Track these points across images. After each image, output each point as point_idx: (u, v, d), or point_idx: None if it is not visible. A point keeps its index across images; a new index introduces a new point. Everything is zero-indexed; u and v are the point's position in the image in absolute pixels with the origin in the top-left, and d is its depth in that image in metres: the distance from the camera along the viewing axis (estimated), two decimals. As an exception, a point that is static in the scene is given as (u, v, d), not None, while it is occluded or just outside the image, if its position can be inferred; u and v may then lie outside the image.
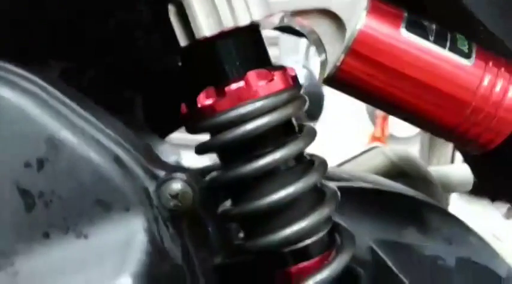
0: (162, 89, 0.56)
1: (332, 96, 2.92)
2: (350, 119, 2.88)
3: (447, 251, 0.62)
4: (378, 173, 1.00)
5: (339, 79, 0.47)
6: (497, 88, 0.45)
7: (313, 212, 0.46)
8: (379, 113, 2.83)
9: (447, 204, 1.02)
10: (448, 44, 0.44)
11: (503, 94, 0.45)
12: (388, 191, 0.67)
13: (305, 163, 0.48)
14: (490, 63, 0.45)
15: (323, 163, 0.49)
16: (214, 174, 0.47)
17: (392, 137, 2.90)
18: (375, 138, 2.87)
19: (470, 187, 1.14)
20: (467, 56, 0.45)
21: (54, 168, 0.34)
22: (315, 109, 2.85)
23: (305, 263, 0.47)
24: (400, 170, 1.00)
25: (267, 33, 0.47)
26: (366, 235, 0.60)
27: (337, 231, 0.51)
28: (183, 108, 0.46)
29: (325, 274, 0.46)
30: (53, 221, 0.33)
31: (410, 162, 1.01)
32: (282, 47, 2.90)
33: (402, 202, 0.66)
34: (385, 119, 2.84)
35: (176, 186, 0.35)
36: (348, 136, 2.86)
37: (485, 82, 0.45)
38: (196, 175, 0.36)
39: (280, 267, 0.47)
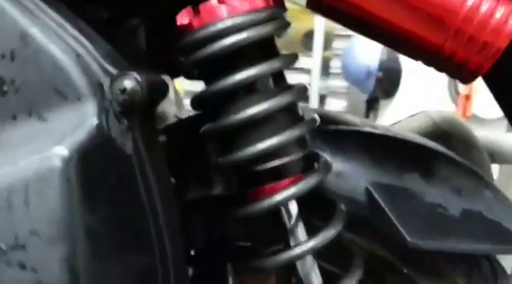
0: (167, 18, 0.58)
1: (411, 72, 2.79)
2: (429, 97, 2.74)
3: (452, 201, 0.60)
4: (419, 134, 0.96)
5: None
6: (483, 9, 0.42)
7: (284, 131, 0.46)
8: (462, 91, 2.67)
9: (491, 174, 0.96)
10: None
11: (490, 16, 0.42)
12: (399, 138, 0.65)
13: (283, 86, 0.49)
14: (478, -19, 0.42)
15: (302, 88, 0.49)
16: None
17: (475, 118, 2.72)
18: (455, 118, 2.72)
19: (526, 158, 1.06)
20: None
21: (23, 59, 0.38)
22: (391, 86, 2.76)
23: (277, 183, 0.48)
24: (443, 132, 0.96)
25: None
26: (363, 177, 0.60)
27: (316, 160, 0.51)
28: (172, 33, 0.48)
29: (291, 191, 0.47)
30: (20, 106, 0.38)
31: (455, 124, 0.96)
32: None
33: (412, 150, 0.64)
34: (468, 98, 2.67)
35: (127, 82, 0.38)
36: (426, 115, 2.73)
37: (470, 1, 0.42)
38: (150, 77, 0.39)
39: (254, 186, 0.49)
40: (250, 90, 0.47)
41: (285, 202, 0.48)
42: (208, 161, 0.62)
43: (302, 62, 3.22)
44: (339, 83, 3.11)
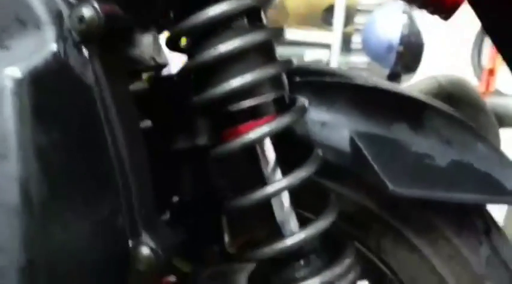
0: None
1: (433, 46, 2.71)
2: (452, 72, 2.67)
3: (441, 152, 0.58)
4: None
5: None
6: None
7: (258, 69, 0.46)
8: (486, 66, 2.59)
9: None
10: None
11: None
12: (391, 91, 0.63)
13: (258, 25, 0.48)
14: None
15: (279, 29, 0.48)
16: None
17: (498, 93, 2.64)
18: (478, 94, 2.64)
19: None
20: None
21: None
22: (413, 60, 2.69)
23: (251, 122, 0.47)
24: (448, 94, 0.93)
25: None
26: (348, 127, 0.58)
27: (293, 103, 0.50)
28: None
29: (263, 129, 0.46)
30: (-16, 36, 0.38)
31: (461, 86, 0.94)
32: (383, -8, 2.76)
33: (403, 103, 0.62)
34: (491, 73, 2.59)
35: (85, 10, 0.38)
36: (448, 90, 2.65)
37: None
38: (111, 7, 0.39)
39: (229, 126, 0.49)
40: (223, 27, 0.46)
41: (258, 140, 0.47)
42: (191, 110, 0.62)
43: (322, 37, 3.17)
44: (360, 59, 3.05)
